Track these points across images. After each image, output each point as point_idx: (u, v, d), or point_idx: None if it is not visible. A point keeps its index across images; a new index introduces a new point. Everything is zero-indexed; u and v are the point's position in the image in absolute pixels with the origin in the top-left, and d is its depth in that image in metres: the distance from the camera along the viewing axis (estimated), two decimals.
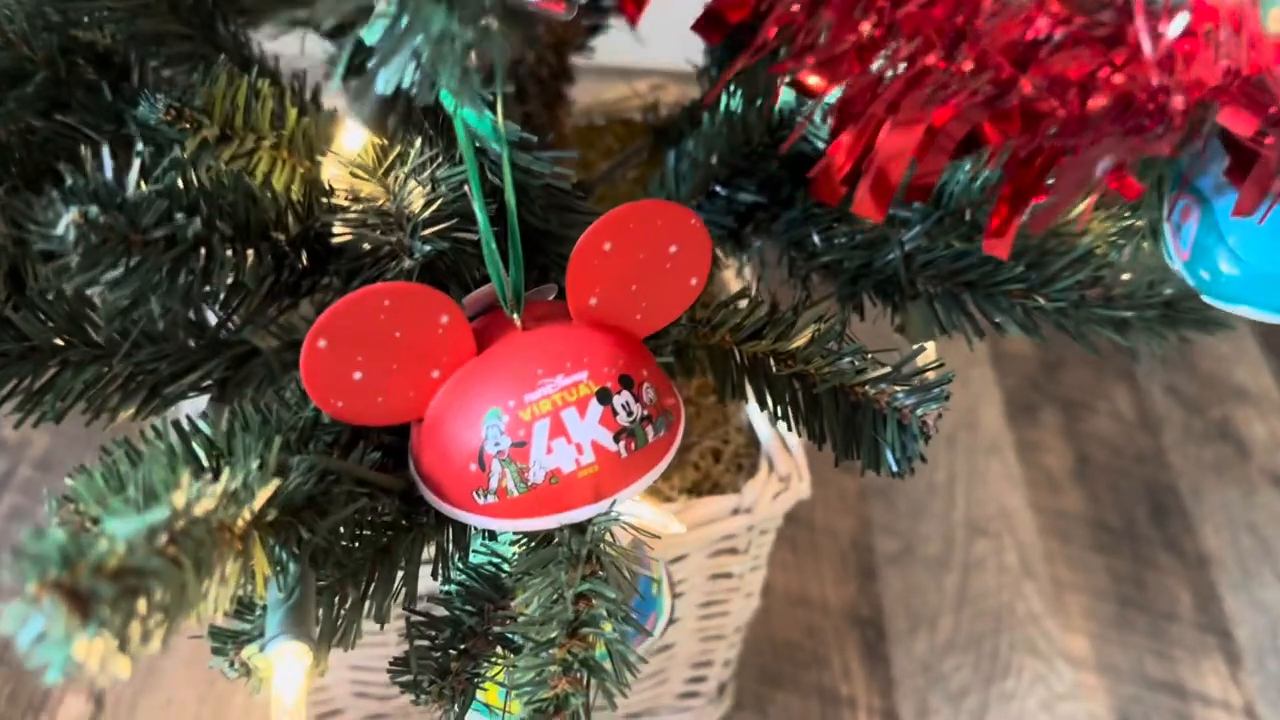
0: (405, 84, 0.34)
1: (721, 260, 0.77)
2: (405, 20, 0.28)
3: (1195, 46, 0.37)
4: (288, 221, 0.47)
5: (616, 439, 0.45)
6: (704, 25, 0.41)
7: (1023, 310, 0.60)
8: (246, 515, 0.36)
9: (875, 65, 0.37)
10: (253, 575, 0.38)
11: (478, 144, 0.54)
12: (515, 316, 0.47)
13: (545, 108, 0.78)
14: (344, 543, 0.44)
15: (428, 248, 0.45)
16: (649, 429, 0.47)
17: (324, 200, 0.50)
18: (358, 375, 0.44)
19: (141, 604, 0.28)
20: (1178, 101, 0.36)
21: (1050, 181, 0.39)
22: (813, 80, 0.39)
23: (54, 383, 0.54)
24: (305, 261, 0.47)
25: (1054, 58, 0.36)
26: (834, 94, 0.39)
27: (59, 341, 0.54)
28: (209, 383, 0.58)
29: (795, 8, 0.36)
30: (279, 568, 0.40)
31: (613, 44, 0.95)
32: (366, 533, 0.46)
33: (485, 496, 0.45)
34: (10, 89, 0.63)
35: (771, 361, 0.61)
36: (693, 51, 0.76)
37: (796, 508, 0.80)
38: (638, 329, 0.50)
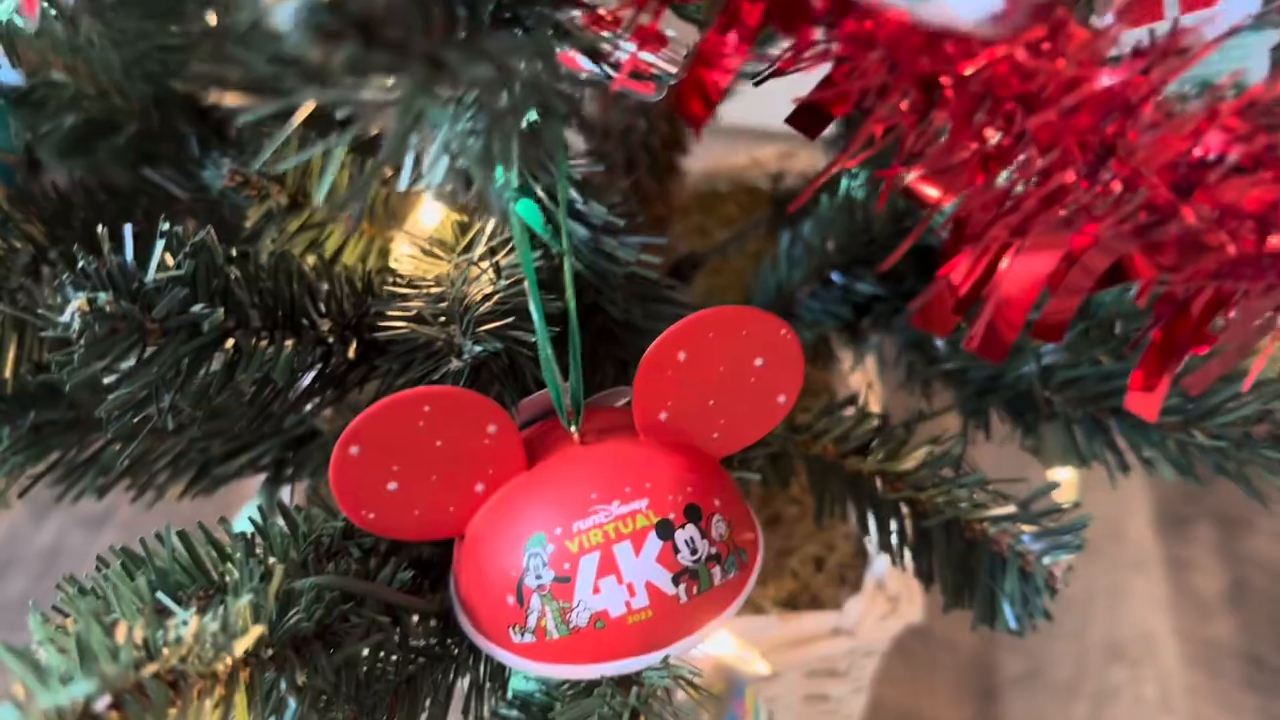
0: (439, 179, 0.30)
1: (836, 354, 0.70)
2: (405, 119, 0.23)
3: None
4: (340, 305, 0.43)
5: (676, 581, 0.39)
6: (800, 119, 0.35)
7: (1177, 446, 0.52)
8: (228, 660, 0.32)
9: (1000, 179, 0.31)
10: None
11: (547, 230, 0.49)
12: (573, 429, 0.42)
13: (656, 179, 0.73)
14: (361, 676, 0.39)
15: (478, 348, 0.40)
16: (716, 570, 0.40)
17: (384, 285, 0.45)
18: (392, 486, 0.40)
19: None
20: None
21: (1215, 329, 0.32)
22: (927, 190, 0.32)
23: (99, 456, 0.51)
24: (354, 352, 0.42)
25: (1226, 183, 0.28)
26: (951, 206, 0.33)
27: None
28: (264, 463, 0.54)
29: (903, 106, 0.30)
30: (273, 710, 0.35)
31: (742, 105, 0.90)
32: (392, 659, 0.41)
33: (522, 634, 0.40)
34: (102, 139, 0.61)
35: (878, 482, 0.54)
36: None
37: None
38: (714, 449, 0.44)
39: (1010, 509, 0.49)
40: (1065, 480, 0.58)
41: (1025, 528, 0.49)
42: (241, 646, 0.31)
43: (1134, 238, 0.30)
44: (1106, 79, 0.28)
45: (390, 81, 0.22)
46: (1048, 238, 0.31)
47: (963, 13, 0.22)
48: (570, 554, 0.39)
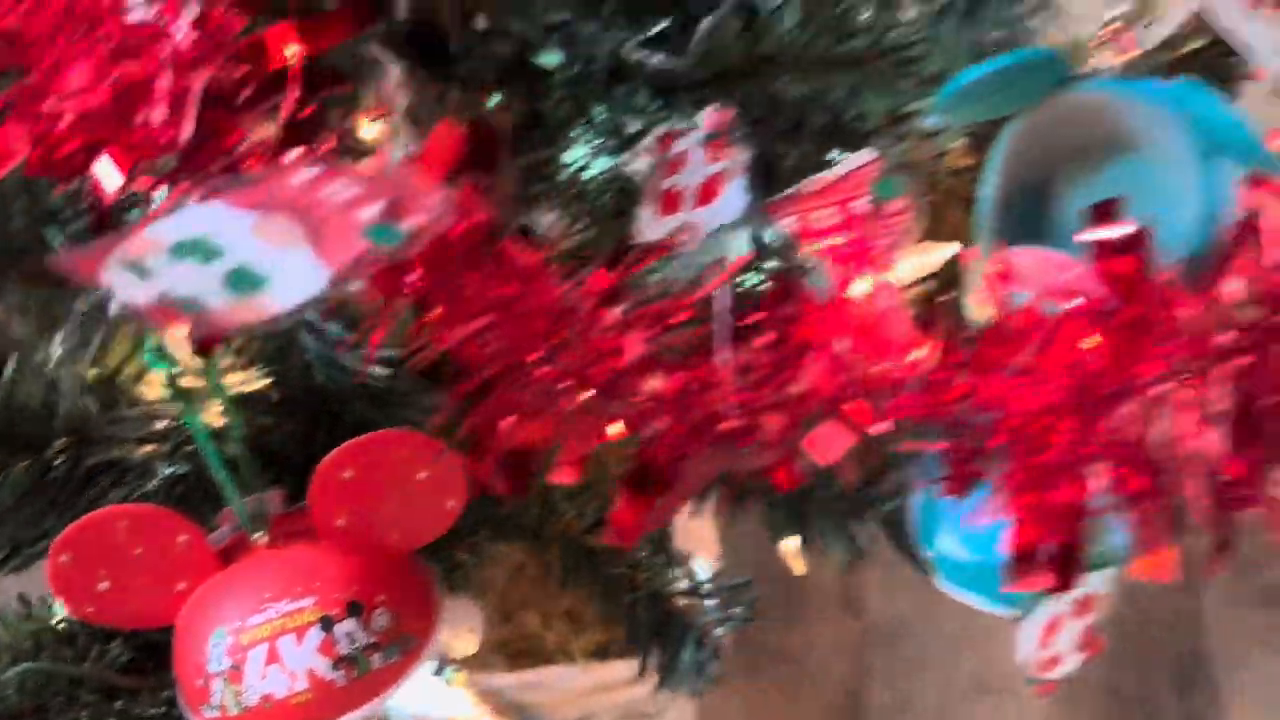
0: None
1: None
2: None
3: (814, 356, 0.36)
4: (78, 426, 0.51)
5: (335, 666, 0.47)
6: None
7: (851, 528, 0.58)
8: None
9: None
10: None
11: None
12: (254, 537, 0.49)
13: None
14: None
15: (168, 469, 0.48)
16: (375, 657, 0.48)
17: (126, 406, 0.53)
18: (104, 585, 0.47)
19: None
20: (773, 419, 0.35)
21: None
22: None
23: None
24: (85, 470, 0.50)
25: (644, 375, 0.35)
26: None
27: None
28: None
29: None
30: None
31: None
32: None
33: (209, 711, 0.47)
34: None
35: (608, 558, 0.61)
36: None
37: (789, 646, 0.77)
38: (396, 545, 0.51)
39: (689, 584, 0.56)
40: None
41: (713, 601, 0.56)
42: None
43: (594, 415, 0.37)
44: (546, 290, 0.35)
45: None
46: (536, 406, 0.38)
47: (286, 301, 0.29)
48: (242, 646, 0.47)
